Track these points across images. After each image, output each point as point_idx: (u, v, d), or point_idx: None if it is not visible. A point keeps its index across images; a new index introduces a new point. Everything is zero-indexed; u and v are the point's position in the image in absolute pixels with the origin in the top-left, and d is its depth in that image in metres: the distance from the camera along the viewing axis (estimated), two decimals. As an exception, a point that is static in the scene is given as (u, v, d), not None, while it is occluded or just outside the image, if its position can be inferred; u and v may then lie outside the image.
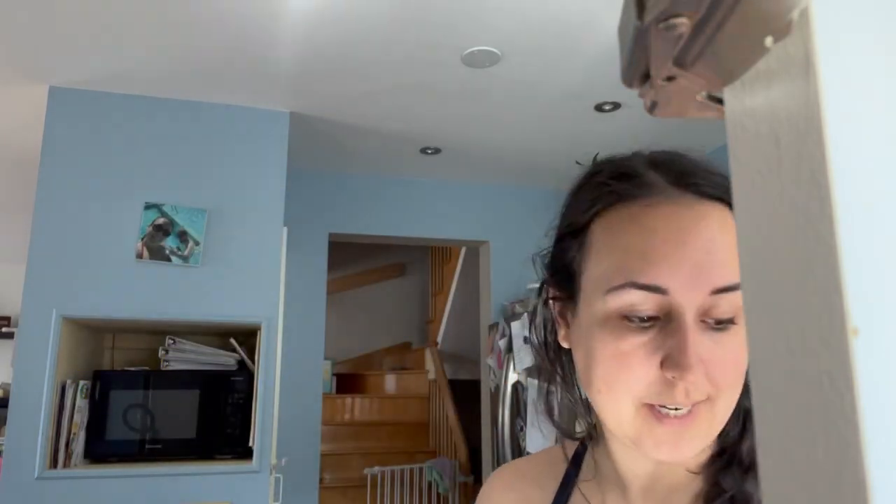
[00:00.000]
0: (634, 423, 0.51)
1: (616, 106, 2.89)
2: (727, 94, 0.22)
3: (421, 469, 5.31)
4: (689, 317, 0.49)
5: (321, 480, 3.73)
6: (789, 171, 0.19)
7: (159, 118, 2.76)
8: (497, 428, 3.42)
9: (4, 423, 2.54)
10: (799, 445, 0.18)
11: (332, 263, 3.90)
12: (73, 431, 2.47)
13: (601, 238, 0.54)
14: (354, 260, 6.81)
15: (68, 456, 2.45)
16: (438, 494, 5.25)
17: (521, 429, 3.18)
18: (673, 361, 0.49)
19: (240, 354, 2.75)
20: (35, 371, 2.42)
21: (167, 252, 2.62)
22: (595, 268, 0.54)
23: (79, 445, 2.47)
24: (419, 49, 2.42)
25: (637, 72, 0.23)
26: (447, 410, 5.63)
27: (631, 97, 2.73)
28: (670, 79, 0.22)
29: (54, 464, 2.42)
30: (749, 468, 0.54)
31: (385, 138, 3.28)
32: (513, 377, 3.30)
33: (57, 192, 2.60)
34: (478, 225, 3.95)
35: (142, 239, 2.61)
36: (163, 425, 2.55)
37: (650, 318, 0.51)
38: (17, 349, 2.50)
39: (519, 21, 2.25)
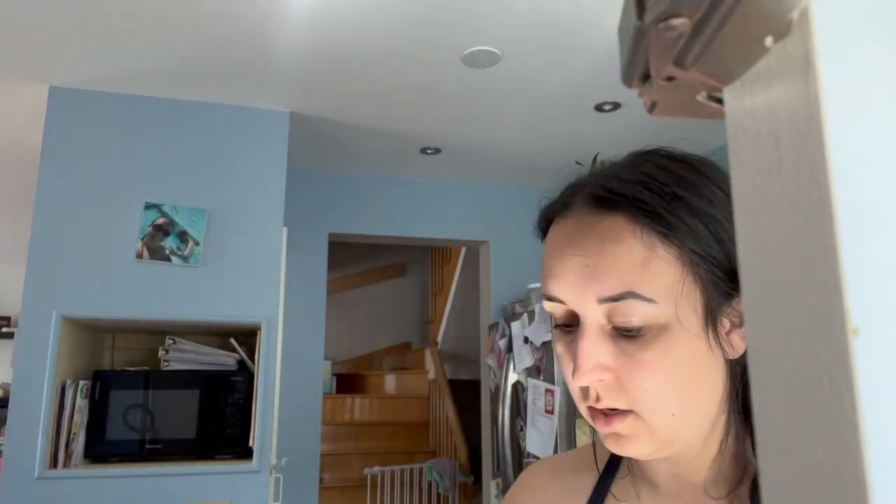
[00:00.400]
0: (589, 419, 0.55)
1: (616, 106, 2.89)
2: (727, 94, 0.22)
3: (421, 469, 5.31)
4: (589, 323, 0.52)
5: (321, 480, 3.73)
6: (789, 171, 0.19)
7: (159, 118, 2.76)
8: (497, 428, 3.42)
9: (4, 423, 2.55)
10: (799, 445, 0.18)
11: (332, 263, 3.90)
12: (73, 431, 2.47)
13: (543, 257, 0.58)
14: (354, 260, 6.81)
15: (68, 456, 2.45)
16: (438, 494, 5.25)
17: (521, 429, 3.18)
18: (575, 366, 0.52)
19: (240, 354, 2.75)
20: (35, 371, 2.42)
21: (167, 252, 2.62)
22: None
23: (79, 445, 2.47)
24: (419, 49, 2.42)
25: (637, 72, 0.23)
26: (447, 410, 5.63)
27: (631, 97, 2.73)
28: (670, 79, 0.22)
29: (54, 464, 2.42)
30: None
31: (385, 138, 3.28)
32: (513, 377, 3.30)
33: (57, 192, 2.60)
34: (478, 225, 3.95)
35: (142, 239, 2.61)
36: (163, 425, 2.55)
37: (571, 325, 0.54)
38: (17, 349, 2.50)
39: (519, 21, 2.25)
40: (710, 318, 0.51)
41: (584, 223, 0.54)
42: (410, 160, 3.59)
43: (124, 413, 2.52)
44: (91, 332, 2.78)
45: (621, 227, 0.51)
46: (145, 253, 2.60)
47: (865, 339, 0.16)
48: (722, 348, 0.52)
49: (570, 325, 0.55)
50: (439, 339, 6.52)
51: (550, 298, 0.55)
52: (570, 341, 0.54)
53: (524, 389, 3.16)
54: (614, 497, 0.63)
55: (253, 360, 2.70)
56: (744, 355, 0.53)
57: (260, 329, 2.66)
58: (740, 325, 0.52)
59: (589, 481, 0.66)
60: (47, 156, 2.61)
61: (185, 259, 2.63)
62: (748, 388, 0.53)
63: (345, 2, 2.13)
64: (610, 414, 0.52)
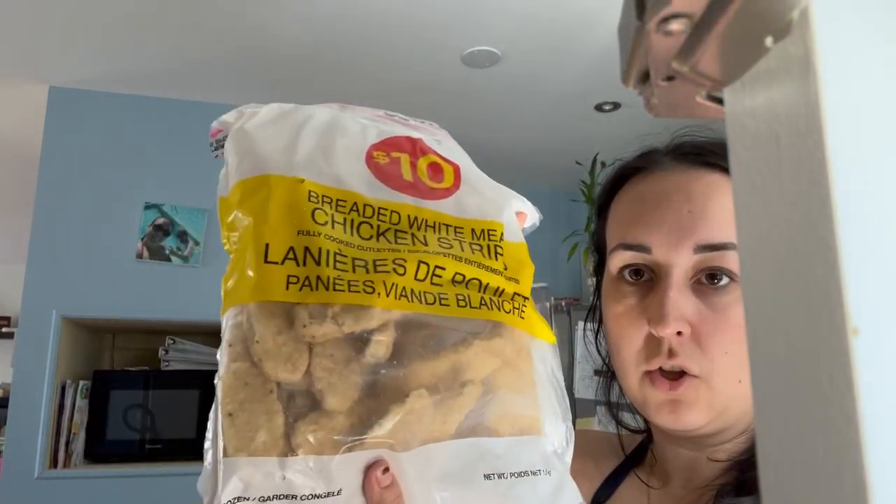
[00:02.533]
0: (640, 388, 0.53)
1: (616, 106, 2.89)
2: (727, 94, 0.22)
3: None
4: (675, 275, 0.51)
5: (321, 480, 3.73)
6: (789, 171, 0.19)
7: (159, 118, 2.76)
8: (497, 428, 3.41)
9: (4, 423, 2.54)
10: (799, 445, 0.18)
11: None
12: (73, 431, 2.47)
13: (614, 212, 0.58)
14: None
15: (68, 456, 2.45)
16: (438, 494, 5.24)
17: (521, 429, 3.17)
18: (653, 317, 0.51)
19: (240, 354, 2.74)
20: (35, 371, 2.42)
21: (167, 252, 2.62)
22: (608, 239, 0.58)
23: (79, 445, 2.47)
24: (419, 49, 2.42)
25: (637, 72, 0.23)
26: (447, 410, 5.62)
27: (631, 97, 2.72)
28: (670, 79, 0.22)
29: (54, 464, 2.42)
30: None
31: (385, 138, 3.28)
32: (513, 377, 3.29)
33: (57, 192, 2.59)
34: (478, 225, 3.94)
35: (142, 239, 2.61)
36: (163, 425, 2.55)
37: (642, 281, 0.54)
38: (17, 349, 2.50)
39: (519, 21, 2.25)
40: None
41: (684, 176, 0.54)
42: (410, 160, 3.59)
43: (124, 413, 2.52)
44: (91, 332, 2.77)
45: (722, 182, 0.52)
46: (145, 253, 2.60)
47: (865, 339, 0.16)
48: None
49: (637, 273, 0.54)
50: (439, 339, 6.52)
51: (632, 246, 0.53)
52: (644, 296, 0.53)
53: (524, 389, 3.15)
54: (636, 476, 0.63)
55: (253, 360, 2.69)
56: None
57: (260, 329, 2.65)
58: None
59: (606, 467, 0.65)
60: (47, 156, 2.61)
61: (185, 259, 2.63)
62: None
63: (345, 2, 2.13)
64: (676, 378, 0.51)
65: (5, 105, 2.85)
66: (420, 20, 2.23)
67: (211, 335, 2.83)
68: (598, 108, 2.91)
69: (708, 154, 0.54)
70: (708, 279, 0.51)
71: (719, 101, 0.23)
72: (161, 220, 2.64)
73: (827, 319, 0.17)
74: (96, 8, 2.14)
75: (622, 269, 0.55)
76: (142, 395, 2.55)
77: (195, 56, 2.47)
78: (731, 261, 0.50)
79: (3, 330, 5.69)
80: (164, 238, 2.63)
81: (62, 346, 2.48)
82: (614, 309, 0.55)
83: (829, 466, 0.17)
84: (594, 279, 0.64)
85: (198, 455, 2.47)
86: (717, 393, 0.50)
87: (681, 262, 0.51)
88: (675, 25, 0.20)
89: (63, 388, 2.47)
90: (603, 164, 3.25)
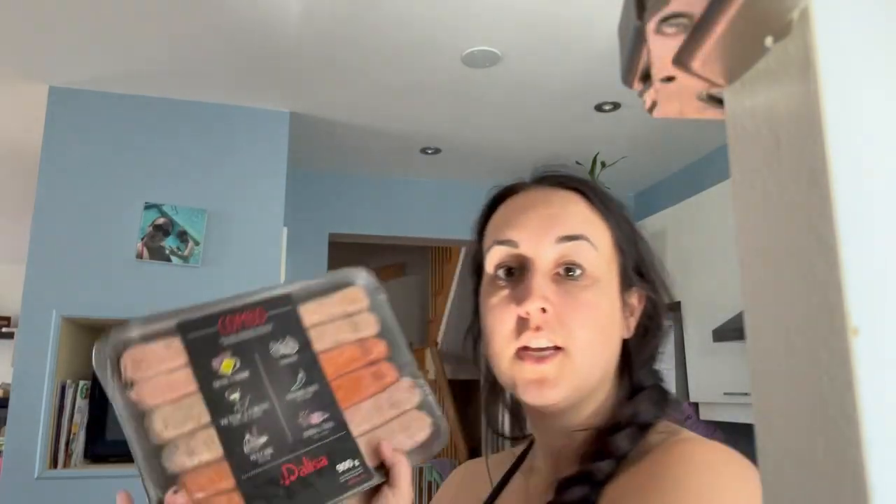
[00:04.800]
0: (510, 367, 0.61)
1: (616, 106, 2.89)
2: (727, 94, 0.22)
3: (421, 469, 5.31)
4: (538, 264, 0.61)
5: (321, 480, 3.72)
6: (789, 171, 0.19)
7: (159, 118, 2.76)
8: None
9: (4, 423, 2.54)
10: (799, 445, 0.18)
11: (332, 263, 3.89)
12: (73, 431, 2.47)
13: (489, 227, 0.69)
14: (354, 260, 6.80)
15: (68, 456, 2.45)
16: (438, 494, 5.24)
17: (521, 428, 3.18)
18: (520, 297, 0.60)
19: (240, 354, 2.75)
20: (35, 371, 2.42)
21: (167, 252, 2.62)
22: (485, 246, 0.68)
23: (79, 445, 2.47)
24: (419, 49, 2.42)
25: (637, 72, 0.23)
26: (447, 410, 5.62)
27: (631, 97, 2.72)
28: (670, 79, 0.22)
29: (54, 464, 2.42)
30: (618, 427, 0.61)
31: (385, 138, 3.28)
32: (513, 377, 3.30)
33: (57, 192, 2.60)
34: (478, 225, 3.95)
35: (142, 239, 2.61)
36: (163, 425, 2.55)
37: (513, 278, 0.63)
38: (17, 349, 2.50)
39: (519, 21, 2.25)
40: (620, 288, 0.64)
41: (544, 192, 0.66)
42: (410, 160, 3.59)
43: (124, 413, 2.52)
44: (91, 332, 2.77)
45: (574, 196, 0.66)
46: (145, 253, 2.60)
47: (865, 339, 0.16)
48: (623, 319, 0.64)
49: (511, 273, 0.64)
50: (439, 339, 6.52)
51: (504, 241, 0.64)
52: (513, 287, 0.62)
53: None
54: (511, 488, 0.71)
55: (253, 360, 2.70)
56: (632, 340, 0.65)
57: (260, 329, 2.65)
58: (631, 314, 0.65)
59: (500, 474, 0.74)
60: (47, 156, 2.61)
61: (185, 259, 2.63)
62: (633, 364, 0.63)
63: (345, 2, 2.13)
64: (541, 355, 0.59)
65: (5, 105, 2.85)
66: (420, 20, 2.23)
67: (211, 335, 2.83)
68: (598, 108, 2.91)
69: (562, 178, 0.67)
70: (565, 272, 0.61)
71: (719, 101, 0.23)
72: (161, 220, 2.64)
73: (827, 319, 0.17)
74: (96, 8, 2.15)
75: (497, 267, 0.64)
76: (142, 395, 2.55)
77: (195, 56, 2.47)
78: (583, 252, 0.61)
79: (3, 330, 5.69)
80: (164, 238, 2.63)
81: (62, 346, 2.48)
82: (489, 302, 0.64)
83: (829, 466, 0.17)
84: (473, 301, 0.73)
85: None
86: (577, 367, 0.60)
87: (543, 254, 0.62)
88: (675, 25, 0.20)
89: (63, 388, 2.47)
90: (603, 164, 3.25)
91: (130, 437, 0.51)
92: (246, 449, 0.52)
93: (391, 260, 7.27)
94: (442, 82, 2.67)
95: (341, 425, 0.56)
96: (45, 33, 2.29)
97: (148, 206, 2.64)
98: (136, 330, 0.54)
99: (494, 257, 0.64)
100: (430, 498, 5.28)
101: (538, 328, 0.59)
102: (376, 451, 0.57)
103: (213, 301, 0.58)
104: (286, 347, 0.58)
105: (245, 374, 0.55)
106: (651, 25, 0.20)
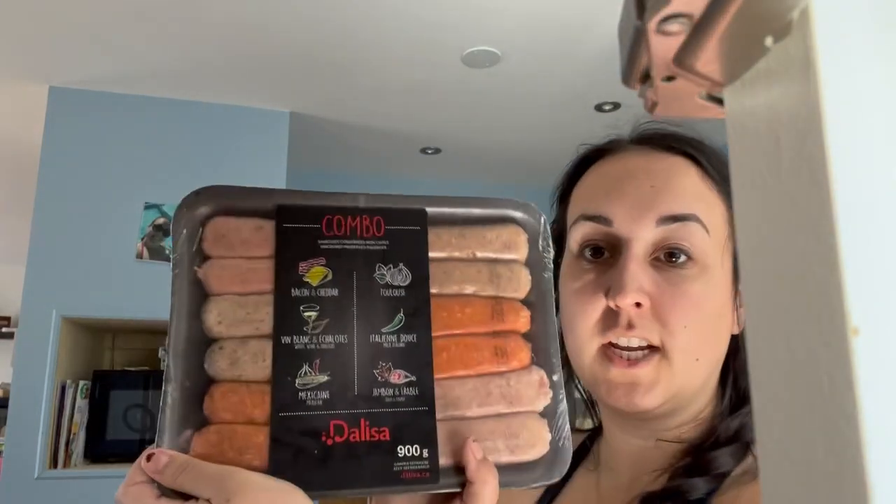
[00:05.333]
0: (592, 366, 0.52)
1: (616, 106, 2.89)
2: (727, 94, 0.22)
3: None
4: (635, 248, 0.51)
5: (321, 480, 3.73)
6: (789, 171, 0.19)
7: (159, 118, 2.76)
8: (497, 428, 3.42)
9: (4, 423, 2.54)
10: (799, 445, 0.18)
11: (332, 263, 3.89)
12: (73, 431, 2.47)
13: (576, 192, 0.59)
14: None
15: (68, 456, 2.45)
16: (438, 494, 5.24)
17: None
18: (612, 287, 0.50)
19: (240, 354, 2.74)
20: (35, 371, 2.42)
21: (167, 252, 2.62)
22: (570, 217, 0.58)
23: (79, 445, 2.47)
24: (419, 49, 2.42)
25: (637, 72, 0.23)
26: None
27: (631, 97, 2.72)
28: (670, 79, 0.22)
29: (54, 464, 2.42)
30: (724, 442, 0.52)
31: (385, 138, 3.28)
32: (513, 377, 3.30)
33: (57, 192, 2.59)
34: (478, 225, 3.95)
35: (142, 239, 2.61)
36: (163, 425, 2.54)
37: (602, 259, 0.54)
38: (17, 349, 2.50)
39: (519, 21, 2.25)
40: (736, 279, 0.52)
41: (647, 157, 0.55)
42: (410, 160, 3.59)
43: (124, 413, 2.52)
44: (91, 332, 2.77)
45: (683, 164, 0.54)
46: (145, 253, 2.60)
47: (865, 339, 0.16)
48: (735, 314, 0.53)
49: (597, 253, 0.54)
50: (439, 339, 6.52)
51: (593, 217, 0.53)
52: (603, 272, 0.52)
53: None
54: (576, 484, 0.62)
55: (253, 360, 2.69)
56: (740, 337, 0.54)
57: (260, 329, 2.65)
58: (742, 304, 0.52)
59: None
60: (47, 156, 2.61)
61: (185, 259, 2.63)
62: (739, 368, 0.53)
63: (345, 2, 2.13)
64: (633, 359, 0.50)
65: (5, 105, 2.85)
66: (420, 20, 2.23)
67: (211, 335, 2.83)
68: (598, 108, 2.91)
69: (670, 139, 0.55)
70: (666, 257, 0.51)
71: (719, 101, 0.23)
72: (161, 220, 2.64)
73: (827, 319, 0.17)
74: (96, 8, 2.14)
75: (583, 245, 0.54)
76: (142, 395, 2.55)
77: (195, 56, 2.47)
78: (691, 235, 0.50)
79: (3, 330, 5.69)
80: (164, 238, 2.63)
81: (62, 346, 2.48)
82: (571, 286, 0.54)
83: (829, 466, 0.17)
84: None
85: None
86: (676, 371, 0.50)
87: (642, 236, 0.51)
88: (675, 25, 0.20)
89: (63, 388, 2.47)
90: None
91: (177, 322, 0.42)
92: (298, 382, 0.41)
93: (391, 260, 7.25)
94: (442, 82, 2.67)
95: (426, 398, 0.43)
96: (45, 33, 2.29)
97: (148, 206, 2.64)
98: (232, 198, 0.45)
99: (581, 233, 0.54)
100: (430, 498, 5.28)
101: (630, 325, 0.50)
102: (458, 449, 0.42)
103: (325, 192, 0.48)
104: (396, 276, 0.45)
105: (333, 292, 0.44)
106: (651, 25, 0.20)
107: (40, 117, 2.68)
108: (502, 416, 0.44)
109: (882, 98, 0.18)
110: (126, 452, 2.51)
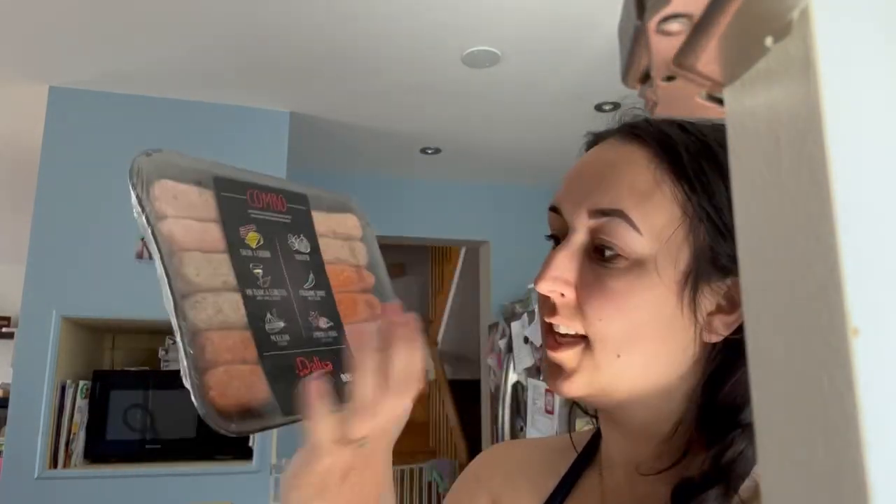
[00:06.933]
0: (545, 341, 0.55)
1: (616, 106, 2.89)
2: (727, 94, 0.22)
3: (421, 469, 5.31)
4: (572, 238, 0.52)
5: (321, 480, 3.72)
6: (789, 171, 0.19)
7: (159, 118, 2.76)
8: (497, 428, 3.42)
9: (4, 423, 2.54)
10: (799, 445, 0.18)
11: (332, 263, 3.89)
12: (73, 431, 2.47)
13: None
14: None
15: (68, 456, 2.45)
16: (438, 494, 5.25)
17: (521, 429, 3.18)
18: (540, 271, 0.52)
19: (240, 354, 2.74)
20: (35, 371, 2.42)
21: (167, 252, 2.62)
22: None
23: (79, 445, 2.47)
24: (419, 49, 2.42)
25: (637, 72, 0.23)
26: (447, 410, 5.62)
27: (631, 97, 2.72)
28: (670, 79, 0.22)
29: (54, 464, 2.42)
30: (704, 484, 0.49)
31: (385, 138, 3.28)
32: (513, 377, 3.30)
33: (57, 192, 2.59)
34: (478, 225, 3.95)
35: (142, 239, 2.61)
36: (163, 425, 2.55)
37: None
38: (17, 349, 2.50)
39: (519, 21, 2.25)
40: (692, 280, 0.49)
41: (608, 148, 0.55)
42: (410, 160, 3.59)
43: (124, 413, 2.52)
44: (91, 332, 2.77)
45: (637, 154, 0.52)
46: (145, 253, 2.60)
47: (865, 339, 0.16)
48: (696, 319, 0.50)
49: (558, 242, 0.55)
50: (439, 339, 6.52)
51: (553, 208, 0.55)
52: None
53: (524, 389, 3.16)
54: (584, 485, 0.62)
55: (253, 360, 2.69)
56: (726, 348, 0.50)
57: (260, 329, 2.65)
58: (730, 310, 0.50)
59: (563, 466, 0.64)
60: (47, 156, 2.61)
61: (185, 259, 2.63)
62: (723, 380, 0.50)
63: (345, 2, 2.13)
64: (561, 340, 0.52)
65: (5, 105, 2.85)
66: (420, 20, 2.23)
67: (211, 335, 2.83)
68: (598, 108, 2.91)
69: (638, 126, 0.54)
70: (597, 251, 0.51)
71: (719, 101, 0.23)
72: (161, 220, 2.64)
73: (827, 319, 0.17)
74: (96, 8, 2.15)
75: (551, 234, 0.57)
76: (142, 395, 2.55)
77: (195, 56, 2.47)
78: (616, 231, 0.49)
79: (3, 330, 5.70)
80: (164, 238, 2.63)
81: (62, 346, 2.48)
82: None
83: (829, 467, 0.17)
84: None
85: (197, 455, 2.49)
86: (598, 363, 0.51)
87: (578, 227, 0.52)
88: (675, 25, 0.20)
89: (63, 388, 2.47)
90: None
91: (162, 273, 0.48)
92: (267, 327, 0.49)
93: (391, 260, 7.24)
94: (442, 82, 2.67)
95: (342, 338, 0.55)
96: (45, 33, 2.29)
97: (148, 206, 2.64)
98: (175, 162, 0.51)
99: (549, 223, 0.57)
100: (430, 498, 5.28)
101: (553, 311, 0.52)
102: None
103: (238, 167, 0.55)
104: (301, 244, 0.55)
105: (267, 254, 0.52)
106: (651, 25, 0.20)
107: (40, 117, 2.68)
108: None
109: (882, 98, 0.18)
110: (126, 452, 2.52)
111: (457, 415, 5.51)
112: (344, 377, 0.52)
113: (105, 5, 2.13)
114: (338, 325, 0.55)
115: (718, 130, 0.52)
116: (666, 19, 0.20)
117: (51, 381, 2.42)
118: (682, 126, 0.52)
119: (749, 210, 0.21)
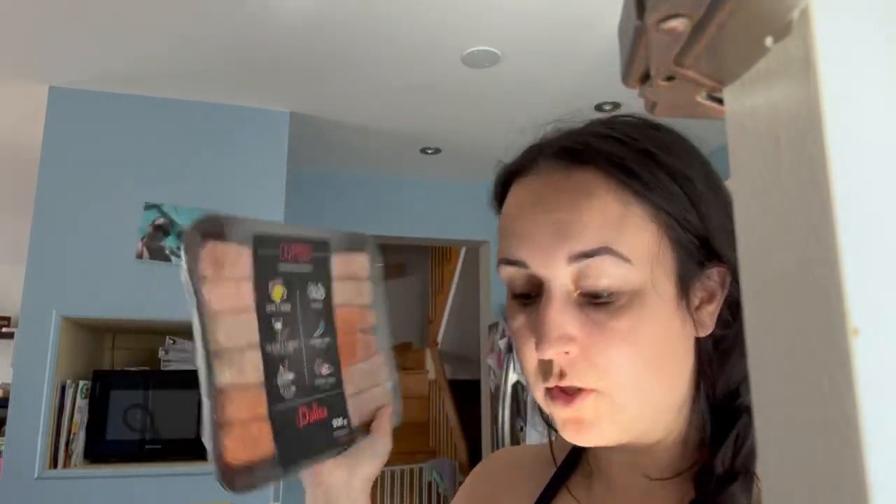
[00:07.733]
0: (544, 404, 0.51)
1: (616, 106, 2.89)
2: (727, 94, 0.22)
3: (421, 469, 5.31)
4: (555, 290, 0.48)
5: (321, 480, 3.72)
6: (789, 171, 0.19)
7: (159, 118, 2.76)
8: (497, 428, 3.42)
9: (4, 423, 2.54)
10: (799, 445, 0.18)
11: (332, 263, 3.89)
12: (73, 431, 2.47)
13: (500, 221, 0.55)
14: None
15: (68, 456, 2.45)
16: (438, 494, 5.25)
17: (521, 429, 3.18)
18: (537, 340, 0.48)
19: (240, 354, 2.74)
20: (35, 371, 2.42)
21: (167, 252, 2.62)
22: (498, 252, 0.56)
23: (79, 445, 2.47)
24: (419, 49, 2.42)
25: (637, 72, 0.23)
26: (447, 410, 5.62)
27: (631, 97, 2.72)
28: (670, 79, 0.22)
29: (54, 464, 2.42)
30: (729, 478, 0.48)
31: (385, 138, 3.28)
32: (513, 377, 3.30)
33: (57, 192, 2.60)
34: (478, 225, 3.95)
35: (142, 239, 2.61)
36: (163, 425, 2.54)
37: (533, 297, 0.50)
38: (17, 349, 2.50)
39: (519, 21, 2.25)
40: (683, 286, 0.48)
41: (552, 179, 0.50)
42: (410, 160, 3.59)
43: (124, 413, 2.52)
44: (91, 332, 2.77)
45: (594, 181, 0.48)
46: (145, 253, 2.60)
47: (865, 339, 0.16)
48: (692, 319, 0.49)
49: (529, 295, 0.51)
50: (439, 339, 6.52)
51: (511, 262, 0.50)
52: (531, 312, 0.49)
53: (524, 389, 3.16)
54: (568, 492, 0.60)
55: (253, 360, 2.69)
56: (711, 338, 0.50)
57: (260, 329, 2.65)
58: (710, 300, 0.49)
59: (546, 476, 0.63)
60: (47, 156, 2.61)
61: (185, 259, 2.63)
62: (716, 372, 0.50)
63: (345, 2, 2.13)
64: (571, 392, 0.48)
65: (5, 105, 2.85)
66: (420, 20, 2.23)
67: (211, 335, 2.83)
68: (598, 108, 2.91)
69: (584, 150, 0.50)
70: (589, 296, 0.48)
71: (719, 101, 0.23)
72: (161, 220, 2.64)
73: (827, 319, 0.17)
74: (96, 8, 2.15)
75: (510, 289, 0.52)
76: (142, 395, 2.55)
77: (195, 56, 2.47)
78: (606, 269, 0.46)
79: (3, 330, 5.69)
80: (164, 238, 2.63)
81: (62, 346, 2.48)
82: (512, 324, 0.52)
83: (829, 466, 0.17)
84: None
85: (197, 455, 2.50)
86: (621, 404, 0.48)
87: (556, 277, 0.48)
88: (676, 25, 0.20)
89: (63, 388, 2.47)
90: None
91: (198, 328, 0.50)
92: (278, 381, 0.52)
93: (391, 260, 7.27)
94: (442, 82, 2.67)
95: (340, 383, 0.58)
96: (45, 33, 2.29)
97: (148, 206, 2.64)
98: (226, 226, 0.52)
99: (505, 277, 0.52)
100: (430, 498, 5.28)
101: (563, 374, 0.48)
102: (358, 412, 0.59)
103: (273, 221, 0.58)
104: (317, 292, 0.58)
105: (288, 307, 0.54)
106: (651, 25, 0.20)
107: (40, 117, 2.68)
108: (372, 387, 0.63)
109: (882, 98, 0.18)
110: (126, 452, 2.51)
111: (457, 415, 5.51)
112: (335, 422, 0.57)
113: (105, 5, 2.13)
114: (336, 371, 0.58)
115: (646, 132, 0.52)
116: (666, 19, 0.20)
117: (51, 381, 2.42)
118: (616, 139, 0.50)
119: (749, 210, 0.21)
